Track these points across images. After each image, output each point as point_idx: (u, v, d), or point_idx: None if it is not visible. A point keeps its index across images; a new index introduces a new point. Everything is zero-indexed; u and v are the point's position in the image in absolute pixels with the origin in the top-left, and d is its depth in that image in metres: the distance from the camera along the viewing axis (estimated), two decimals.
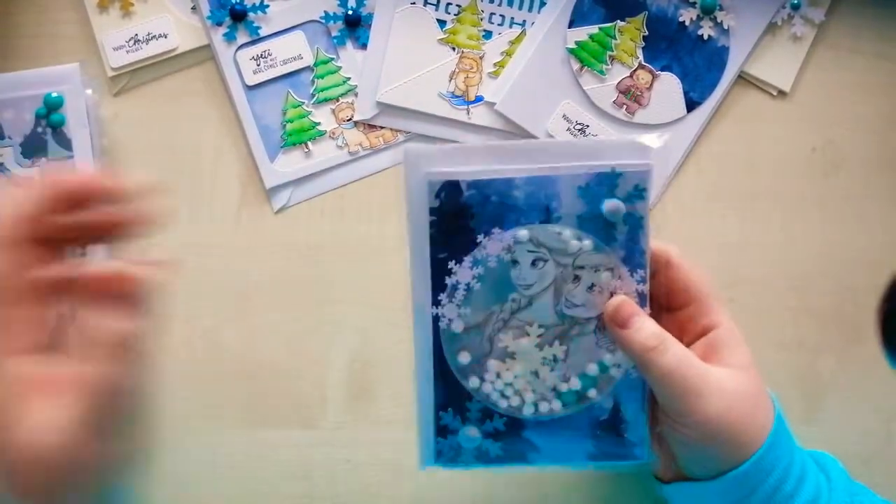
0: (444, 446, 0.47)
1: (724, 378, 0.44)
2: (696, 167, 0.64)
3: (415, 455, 0.48)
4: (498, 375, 0.46)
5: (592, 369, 0.46)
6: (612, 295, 0.45)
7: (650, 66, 0.63)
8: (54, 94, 0.60)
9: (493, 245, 0.45)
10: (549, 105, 0.63)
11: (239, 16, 0.63)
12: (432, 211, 0.44)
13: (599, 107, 0.63)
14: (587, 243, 0.45)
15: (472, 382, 0.46)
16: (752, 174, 0.64)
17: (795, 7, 0.64)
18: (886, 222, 0.63)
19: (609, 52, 0.63)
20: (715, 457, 0.45)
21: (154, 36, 0.62)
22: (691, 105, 0.63)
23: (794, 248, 0.63)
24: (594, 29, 0.63)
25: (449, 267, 0.45)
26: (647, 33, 0.63)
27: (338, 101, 0.64)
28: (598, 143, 0.46)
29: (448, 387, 0.46)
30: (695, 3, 0.63)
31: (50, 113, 0.60)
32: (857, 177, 0.63)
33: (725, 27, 0.63)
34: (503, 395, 0.47)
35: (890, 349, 0.61)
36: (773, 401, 0.47)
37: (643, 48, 0.63)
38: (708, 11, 0.63)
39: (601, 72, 0.63)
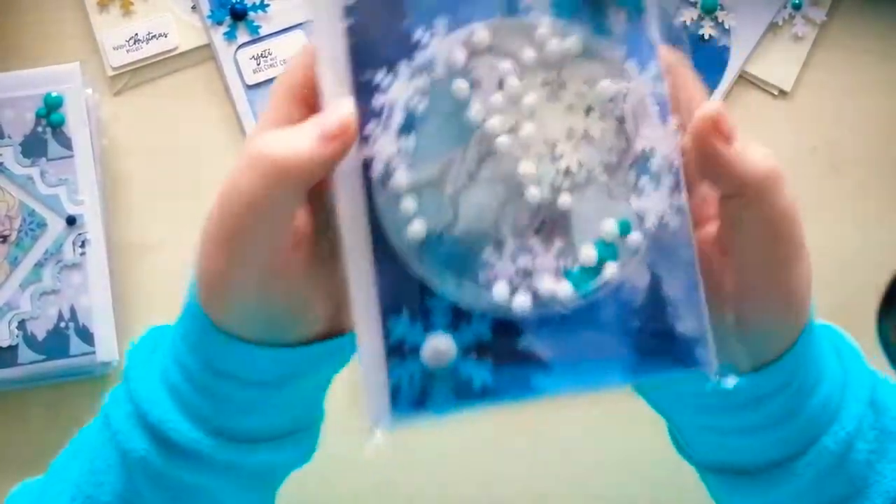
0: (402, 376, 0.29)
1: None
2: None
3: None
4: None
5: (610, 229, 0.30)
6: (619, 116, 0.31)
7: None
8: (54, 94, 0.60)
9: (438, 44, 0.30)
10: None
11: (239, 15, 0.63)
12: (347, 11, 0.30)
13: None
14: (573, 40, 0.30)
15: (433, 269, 0.30)
16: None
17: (797, 7, 0.63)
18: (887, 222, 0.63)
19: None
20: (766, 338, 0.33)
21: (154, 35, 0.62)
22: None
23: None
24: None
25: (376, 82, 0.30)
26: None
27: None
28: None
29: (396, 277, 0.30)
30: (695, 2, 0.63)
31: (50, 113, 0.60)
32: (858, 177, 0.63)
33: (726, 27, 0.63)
34: (480, 284, 0.30)
35: (888, 350, 0.61)
36: None
37: None
38: (709, 11, 0.63)
39: None
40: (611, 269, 0.30)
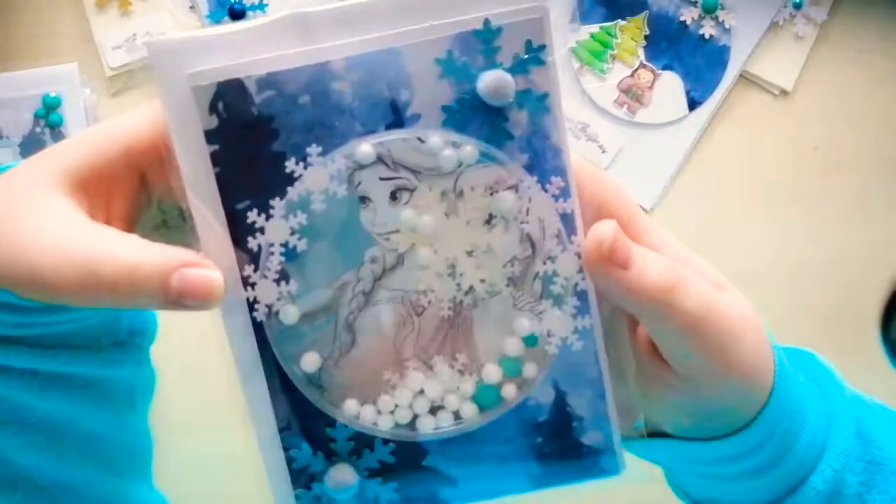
0: (309, 502, 0.30)
1: (737, 304, 0.31)
2: (698, 166, 0.63)
3: None
4: None
5: (514, 346, 0.29)
6: (522, 227, 0.28)
7: (651, 66, 0.63)
8: (53, 95, 0.60)
9: (314, 175, 0.27)
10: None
11: (237, 14, 0.62)
12: (210, 136, 0.27)
13: (600, 106, 0.62)
14: (469, 150, 0.28)
15: (331, 398, 0.29)
16: (753, 173, 0.63)
17: (797, 6, 0.63)
18: (888, 221, 0.63)
19: (610, 52, 0.63)
20: (730, 412, 0.32)
21: (153, 35, 0.62)
22: (693, 104, 0.63)
23: (795, 246, 0.63)
24: (595, 28, 0.63)
25: (250, 221, 0.27)
26: (648, 32, 0.63)
27: None
28: None
29: (295, 410, 0.29)
30: (696, 2, 0.63)
31: (48, 113, 0.60)
32: (859, 176, 0.63)
33: (727, 26, 0.63)
34: (381, 410, 0.29)
35: (890, 348, 0.61)
36: None
37: (644, 47, 0.63)
38: (709, 11, 0.63)
39: (602, 71, 0.63)
40: (513, 390, 0.29)
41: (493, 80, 0.27)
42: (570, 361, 0.30)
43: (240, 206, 0.28)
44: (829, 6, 0.64)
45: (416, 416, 0.29)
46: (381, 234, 0.28)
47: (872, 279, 0.62)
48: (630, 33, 0.63)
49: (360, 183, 0.28)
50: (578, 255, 0.29)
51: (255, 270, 0.28)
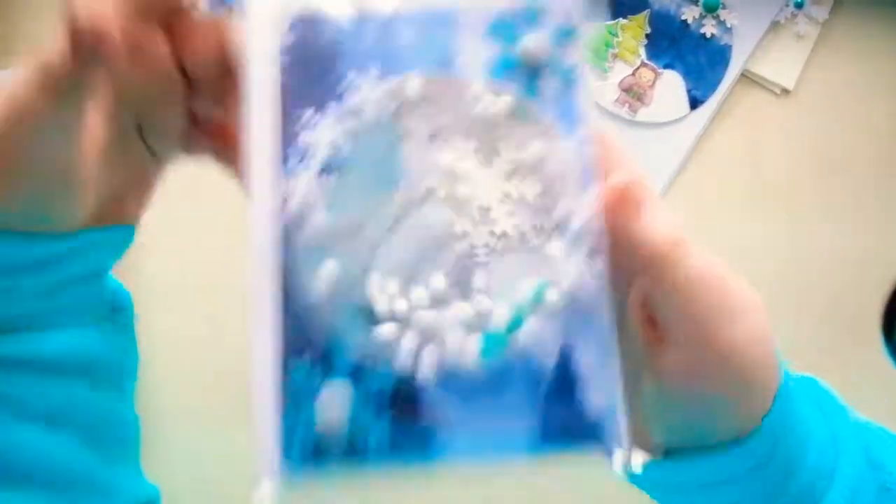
0: (297, 424, 0.28)
1: (742, 286, 0.31)
2: (699, 165, 0.63)
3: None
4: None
5: (525, 292, 0.29)
6: (543, 179, 0.30)
7: (653, 65, 0.63)
8: None
9: (370, 88, 0.30)
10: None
11: None
12: (283, 51, 0.30)
13: (601, 105, 0.62)
14: (506, 100, 0.30)
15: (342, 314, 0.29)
16: (754, 172, 0.63)
17: (799, 5, 0.63)
18: (888, 221, 0.63)
19: (611, 50, 0.62)
20: (727, 412, 0.31)
21: None
22: (694, 103, 0.63)
23: (797, 245, 0.63)
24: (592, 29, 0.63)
25: (304, 118, 0.29)
26: (649, 31, 0.63)
27: None
28: None
29: (301, 321, 0.29)
30: (697, 1, 0.63)
31: None
32: (861, 175, 0.63)
33: (728, 25, 0.63)
34: (384, 339, 0.29)
35: (892, 349, 0.61)
36: None
37: (646, 46, 0.63)
38: (711, 10, 0.63)
39: (603, 69, 0.63)
40: (518, 341, 0.29)
41: (533, 42, 0.31)
42: (581, 311, 0.30)
43: (296, 110, 0.30)
44: (831, 5, 0.63)
45: (420, 350, 0.29)
46: (415, 169, 0.30)
47: (873, 279, 0.62)
48: (631, 32, 0.63)
49: (404, 117, 0.30)
50: (594, 206, 0.30)
51: (298, 162, 0.29)
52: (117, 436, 0.36)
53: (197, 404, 0.60)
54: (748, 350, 0.30)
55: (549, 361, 0.29)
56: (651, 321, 0.31)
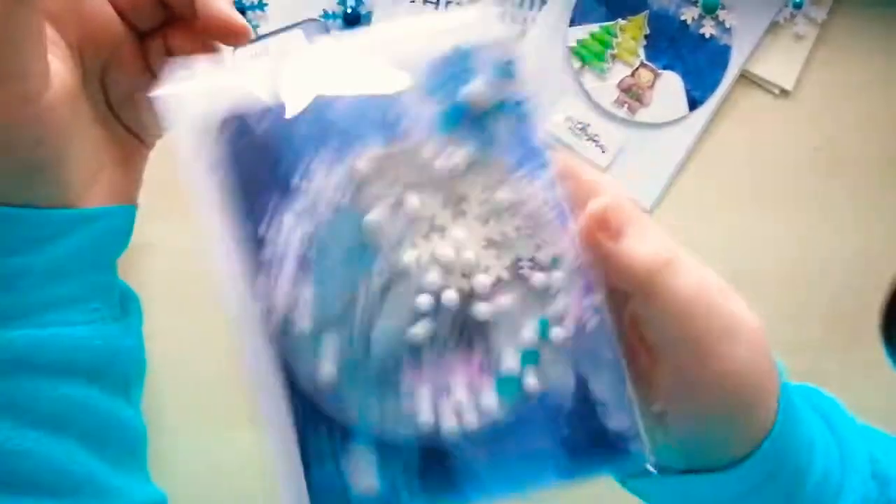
0: (331, 493, 0.29)
1: (736, 302, 0.30)
2: (698, 166, 0.63)
3: None
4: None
5: (529, 336, 0.29)
6: (518, 224, 0.30)
7: (652, 65, 0.63)
8: None
9: (317, 188, 0.29)
10: (548, 104, 0.62)
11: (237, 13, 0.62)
12: (221, 159, 0.29)
13: (600, 105, 0.62)
14: (461, 155, 0.29)
15: (349, 407, 0.29)
16: (754, 173, 0.63)
17: (797, 6, 0.63)
18: (888, 222, 0.63)
19: (610, 51, 0.62)
20: (726, 434, 0.31)
21: None
22: (693, 104, 0.63)
23: (796, 247, 0.63)
24: (595, 27, 0.62)
25: (260, 234, 0.29)
26: (648, 32, 0.63)
27: None
28: (429, 25, 0.31)
29: (313, 424, 0.29)
30: (696, 1, 0.63)
31: None
32: (860, 176, 0.63)
33: (727, 26, 0.63)
34: (400, 416, 0.29)
35: (892, 350, 0.61)
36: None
37: (645, 47, 0.63)
38: (710, 10, 0.63)
39: (602, 70, 0.63)
40: (534, 380, 0.29)
41: (475, 88, 0.30)
42: (587, 344, 0.30)
43: (248, 223, 0.29)
44: (830, 6, 0.64)
45: (438, 417, 0.29)
46: (388, 242, 0.29)
47: (873, 279, 0.62)
48: (630, 33, 0.63)
49: (361, 198, 0.29)
50: (575, 238, 0.30)
51: (267, 278, 0.29)
52: (124, 440, 0.36)
53: (197, 405, 0.60)
54: (743, 371, 0.30)
55: (566, 393, 0.30)
56: (644, 343, 0.30)
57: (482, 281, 0.29)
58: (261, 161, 0.29)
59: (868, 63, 0.64)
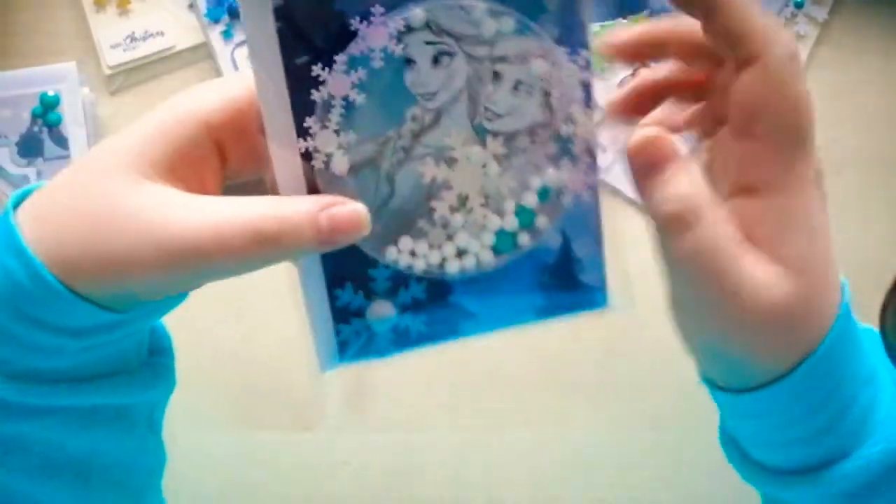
0: (349, 334, 0.34)
1: (763, 287, 0.30)
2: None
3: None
4: None
5: (530, 197, 0.33)
6: (546, 94, 0.32)
7: (652, 65, 0.63)
8: (51, 93, 0.60)
9: (375, 34, 0.30)
10: None
11: (236, 13, 0.62)
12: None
13: (601, 105, 0.62)
14: (507, 22, 0.31)
15: (372, 243, 0.33)
16: None
17: (798, 6, 0.63)
18: (888, 221, 0.63)
19: None
20: (748, 363, 0.31)
21: (151, 34, 0.62)
22: None
23: None
24: (596, 27, 0.62)
25: (314, 74, 0.30)
26: None
27: None
28: None
29: (338, 253, 0.32)
30: None
31: (46, 112, 0.59)
32: (861, 176, 0.63)
33: None
34: (415, 253, 0.33)
35: (892, 350, 0.60)
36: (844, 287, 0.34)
37: None
38: None
39: (602, 70, 0.63)
40: (527, 237, 0.34)
41: None
42: (578, 213, 0.34)
43: (300, 60, 0.30)
44: (830, 5, 0.63)
45: (444, 259, 0.33)
46: (421, 94, 0.31)
47: (873, 279, 0.62)
48: None
49: (407, 45, 0.31)
50: (592, 120, 0.33)
51: (316, 121, 0.30)
52: (145, 471, 0.36)
53: (198, 404, 0.60)
54: (748, 333, 0.31)
55: (552, 253, 0.34)
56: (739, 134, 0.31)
57: (499, 134, 0.32)
58: (318, 8, 0.30)
59: (868, 63, 0.64)
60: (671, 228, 0.30)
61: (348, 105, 0.30)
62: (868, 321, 0.60)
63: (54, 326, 0.29)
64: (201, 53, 0.63)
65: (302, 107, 0.30)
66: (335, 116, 0.30)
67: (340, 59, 0.30)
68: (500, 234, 0.33)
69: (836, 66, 0.64)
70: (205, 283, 0.30)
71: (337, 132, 0.30)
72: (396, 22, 0.30)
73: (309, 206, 0.29)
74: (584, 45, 0.32)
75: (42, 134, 0.59)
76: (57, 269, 0.28)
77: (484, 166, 0.32)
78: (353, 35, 0.30)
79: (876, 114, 0.64)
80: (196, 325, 0.60)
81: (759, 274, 0.31)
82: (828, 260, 0.33)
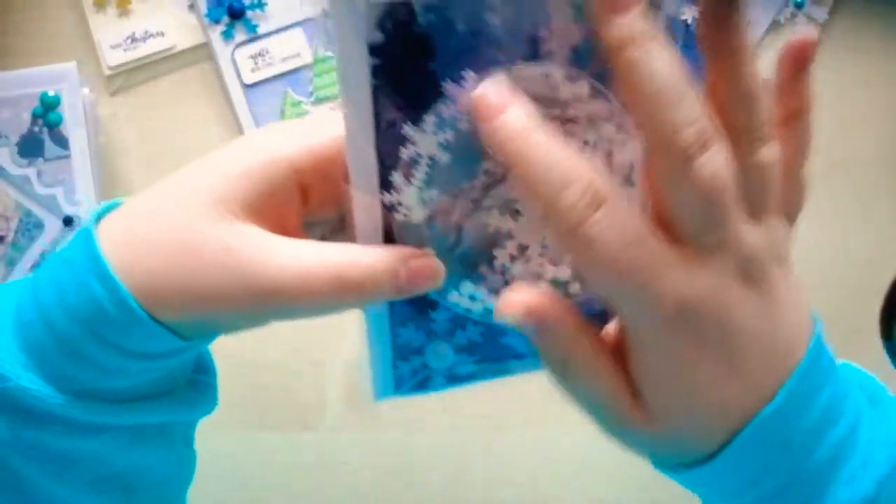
0: (406, 371, 0.35)
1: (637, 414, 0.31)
2: None
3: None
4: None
5: None
6: (608, 155, 0.32)
7: None
8: (51, 93, 0.60)
9: (466, 96, 0.30)
10: None
11: (237, 13, 0.62)
12: (374, 51, 0.29)
13: None
14: (582, 86, 0.31)
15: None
16: None
17: (798, 6, 0.63)
18: (889, 222, 0.63)
19: None
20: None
21: (151, 34, 0.62)
22: None
23: (797, 246, 0.62)
24: None
25: (404, 132, 0.30)
26: None
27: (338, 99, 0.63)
28: None
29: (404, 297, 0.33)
30: (696, 1, 0.62)
31: (47, 112, 0.60)
32: (861, 175, 0.63)
33: None
34: (475, 298, 0.34)
35: (892, 349, 0.61)
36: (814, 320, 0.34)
37: None
38: None
39: None
40: (578, 286, 0.33)
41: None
42: None
43: (390, 116, 0.30)
44: (831, 6, 0.63)
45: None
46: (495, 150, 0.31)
47: (873, 279, 0.62)
48: None
49: None
50: (638, 195, 0.32)
51: (401, 177, 0.31)
52: (180, 484, 0.38)
53: None
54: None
55: (600, 301, 0.33)
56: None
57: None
58: (418, 55, 0.29)
59: (868, 63, 0.64)
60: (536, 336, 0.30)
61: (433, 164, 0.31)
62: (868, 321, 0.61)
63: (129, 351, 0.31)
64: (201, 54, 0.63)
65: (388, 161, 0.30)
66: (420, 174, 0.31)
67: (430, 119, 0.30)
68: (554, 282, 0.33)
69: (836, 66, 0.64)
70: (283, 320, 0.31)
71: (420, 189, 0.31)
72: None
73: (391, 257, 0.30)
74: None
75: (42, 134, 0.60)
76: (141, 298, 0.30)
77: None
78: (442, 96, 0.30)
79: (876, 114, 0.64)
80: None
81: (630, 401, 0.31)
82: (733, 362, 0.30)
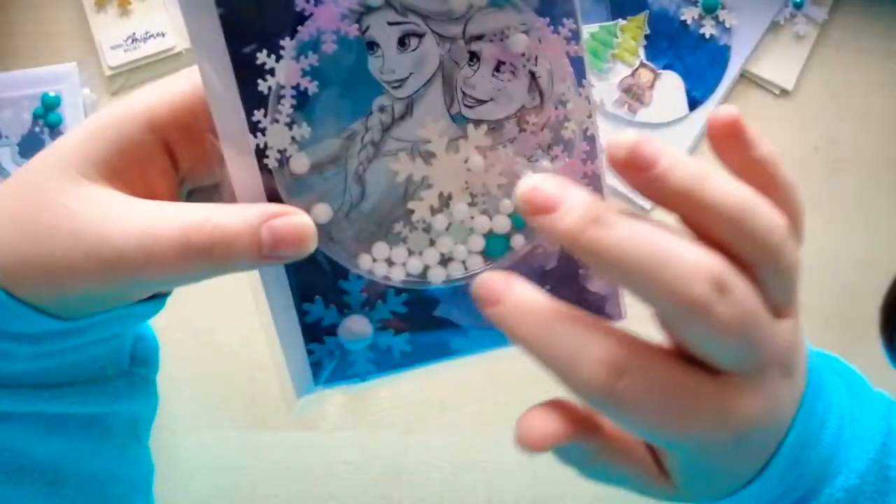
0: (323, 355, 0.29)
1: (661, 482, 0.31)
2: None
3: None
4: None
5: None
6: (532, 74, 0.27)
7: (652, 65, 0.63)
8: (52, 94, 0.60)
9: (324, 15, 0.26)
10: None
11: None
12: None
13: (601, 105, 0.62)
14: None
15: (343, 250, 0.29)
16: None
17: (798, 6, 0.63)
18: (888, 222, 0.63)
19: (610, 51, 0.62)
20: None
21: (152, 34, 0.62)
22: (693, 104, 0.63)
23: None
24: (595, 27, 0.62)
25: (260, 62, 0.26)
26: (648, 32, 0.63)
27: None
28: None
29: (305, 263, 0.28)
30: (696, 1, 0.63)
31: (47, 112, 0.60)
32: (860, 176, 0.63)
33: (727, 26, 0.62)
34: (392, 261, 0.28)
35: (891, 349, 0.61)
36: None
37: (645, 47, 0.63)
38: (710, 10, 0.63)
39: (602, 70, 0.63)
40: (521, 239, 0.29)
41: None
42: None
43: (247, 48, 0.26)
44: (830, 6, 0.63)
45: (427, 267, 0.29)
46: (389, 81, 0.27)
47: (873, 279, 0.62)
48: (630, 33, 0.63)
49: (368, 28, 0.27)
50: (588, 99, 0.28)
51: (265, 115, 0.27)
52: (128, 482, 0.35)
53: (197, 404, 0.60)
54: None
55: (550, 257, 0.29)
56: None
57: (480, 130, 0.28)
58: None
59: (868, 63, 0.64)
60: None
61: (300, 95, 0.27)
62: (867, 320, 0.60)
63: (3, 332, 0.28)
64: None
65: (251, 100, 0.26)
66: (286, 108, 0.27)
67: (288, 44, 0.26)
68: (491, 237, 0.29)
69: (836, 66, 0.64)
70: (150, 292, 0.28)
71: (289, 125, 0.27)
72: (349, 0, 0.27)
73: (249, 216, 0.26)
74: (569, 15, 0.27)
75: (43, 134, 0.60)
76: (1, 274, 0.27)
77: (466, 161, 0.28)
78: (302, 17, 0.26)
79: (876, 114, 0.64)
80: (197, 325, 0.60)
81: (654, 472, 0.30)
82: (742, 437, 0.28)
